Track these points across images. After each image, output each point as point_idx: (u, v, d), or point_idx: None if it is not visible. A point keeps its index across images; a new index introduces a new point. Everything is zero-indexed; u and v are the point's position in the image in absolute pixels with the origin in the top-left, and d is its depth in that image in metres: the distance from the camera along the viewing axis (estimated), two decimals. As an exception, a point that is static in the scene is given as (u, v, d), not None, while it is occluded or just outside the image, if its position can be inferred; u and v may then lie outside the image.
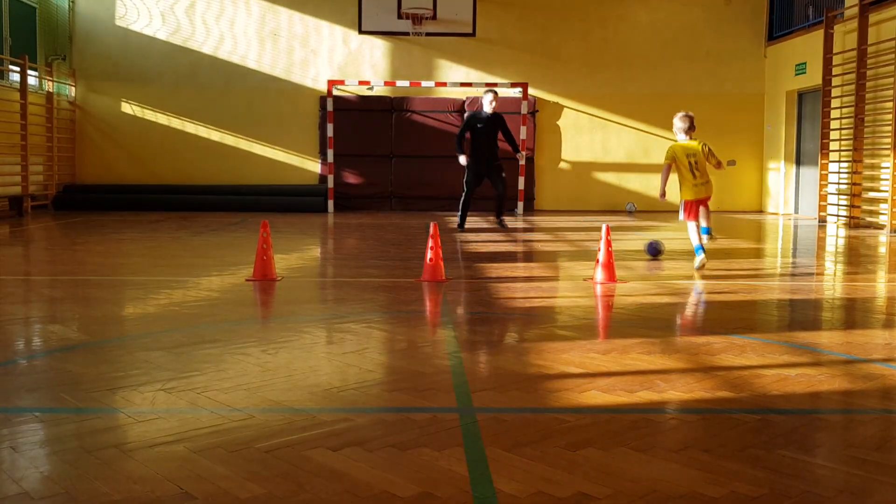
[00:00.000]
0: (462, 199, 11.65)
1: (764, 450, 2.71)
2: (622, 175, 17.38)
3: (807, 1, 16.00)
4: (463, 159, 11.35)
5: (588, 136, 17.32)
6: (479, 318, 5.17)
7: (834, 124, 14.46)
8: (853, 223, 13.45)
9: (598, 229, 7.49)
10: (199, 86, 16.90)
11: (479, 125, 11.40)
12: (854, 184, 13.59)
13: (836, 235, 11.86)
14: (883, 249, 9.78)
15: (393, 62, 17.01)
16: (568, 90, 17.19)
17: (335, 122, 16.09)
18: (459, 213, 11.73)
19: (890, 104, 12.56)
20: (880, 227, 12.80)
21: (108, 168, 16.94)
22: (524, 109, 16.22)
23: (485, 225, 13.07)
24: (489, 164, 11.50)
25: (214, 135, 16.99)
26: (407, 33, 16.24)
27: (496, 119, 11.51)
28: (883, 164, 12.97)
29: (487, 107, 11.42)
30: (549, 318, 5.24)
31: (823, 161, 14.65)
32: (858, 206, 13.55)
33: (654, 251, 8.31)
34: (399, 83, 16.39)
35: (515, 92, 16.58)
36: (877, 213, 13.21)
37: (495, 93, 11.62)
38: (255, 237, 9.56)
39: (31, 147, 14.83)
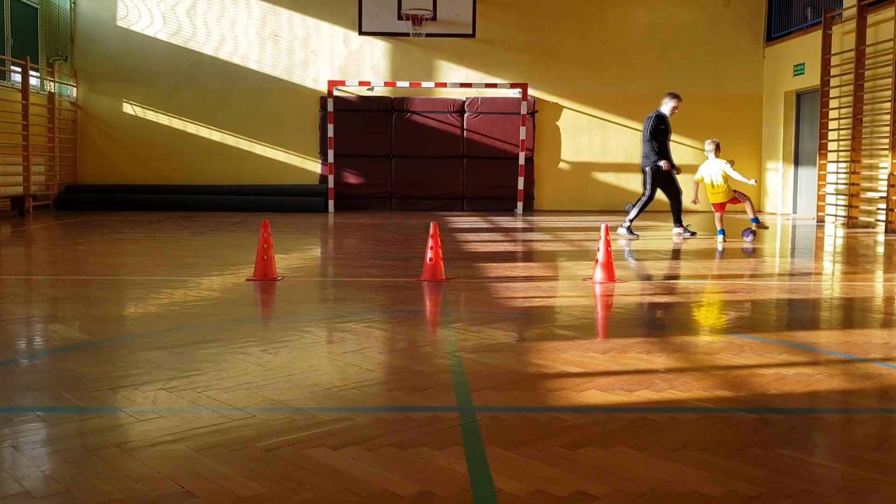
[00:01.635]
0: (643, 201, 10.85)
1: (763, 449, 2.72)
2: (621, 175, 17.40)
3: (805, 2, 16.02)
4: (664, 163, 10.65)
5: (587, 137, 17.34)
6: (479, 317, 5.18)
7: (832, 125, 14.48)
8: (851, 223, 13.46)
9: (598, 229, 7.56)
10: (199, 86, 16.92)
11: (661, 126, 10.78)
12: (852, 184, 13.61)
13: (834, 235, 11.87)
14: (881, 249, 9.79)
15: (393, 63, 17.03)
16: (567, 90, 17.21)
17: (335, 123, 16.11)
18: (635, 215, 10.91)
19: (888, 104, 12.58)
20: (878, 226, 12.81)
21: (109, 168, 16.97)
22: (524, 110, 16.24)
23: (484, 225, 13.08)
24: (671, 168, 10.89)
25: (215, 135, 17.01)
26: (407, 34, 16.27)
27: (669, 125, 10.97)
28: (881, 165, 12.99)
29: (669, 111, 10.86)
30: (549, 318, 5.25)
31: (822, 161, 14.67)
32: (856, 206, 13.57)
33: (751, 233, 10.29)
34: (399, 84, 16.41)
35: (515, 92, 16.60)
36: (875, 213, 13.22)
37: (680, 98, 11.01)
38: (256, 237, 9.58)
39: (32, 147, 14.85)
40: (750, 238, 10.23)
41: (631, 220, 10.96)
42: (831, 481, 2.49)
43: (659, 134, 10.74)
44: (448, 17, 16.22)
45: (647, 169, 10.84)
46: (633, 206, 11.07)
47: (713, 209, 10.73)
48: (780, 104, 16.67)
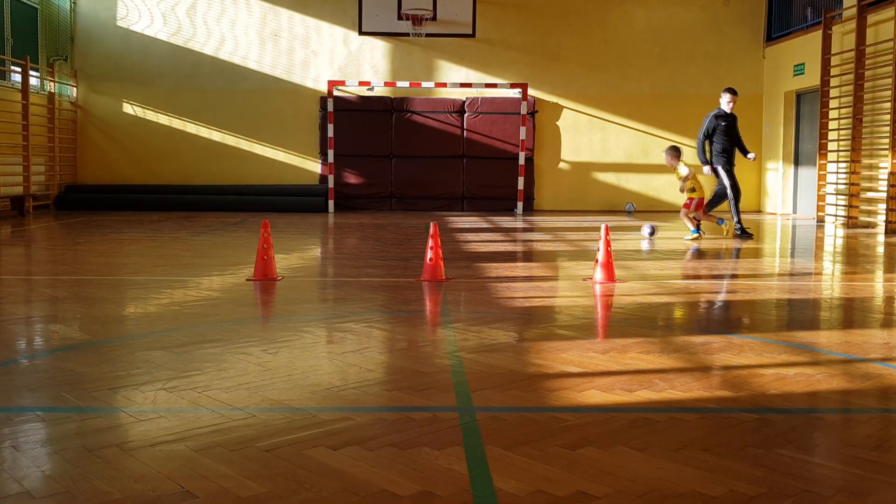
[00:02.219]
0: (732, 200, 10.83)
1: (762, 449, 2.72)
2: (621, 175, 17.41)
3: (805, 2, 16.02)
4: (707, 170, 10.78)
5: (587, 137, 17.34)
6: (479, 317, 5.18)
7: (832, 125, 14.48)
8: (851, 223, 13.46)
9: (598, 229, 7.58)
10: (200, 86, 16.93)
11: (723, 123, 10.88)
12: (852, 184, 13.61)
13: (834, 235, 11.87)
14: (881, 249, 9.79)
15: (393, 63, 17.03)
16: (567, 91, 17.21)
17: (335, 123, 16.11)
18: (737, 216, 10.90)
19: (888, 104, 12.58)
20: (878, 227, 12.81)
21: (109, 168, 16.97)
22: (524, 110, 16.23)
23: (484, 225, 13.08)
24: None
25: (215, 135, 17.01)
26: (407, 34, 16.27)
27: (734, 119, 11.04)
28: (881, 165, 12.99)
29: (726, 106, 10.94)
30: (549, 318, 5.25)
31: (822, 161, 14.67)
32: (856, 207, 13.57)
33: (651, 231, 10.66)
34: (399, 84, 16.41)
35: (515, 93, 16.60)
36: (875, 213, 13.22)
37: (736, 93, 11.11)
38: (256, 237, 9.58)
39: (32, 147, 14.85)
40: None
41: (738, 222, 10.91)
42: (831, 481, 2.49)
43: (716, 131, 10.85)
44: (448, 17, 16.22)
45: (718, 168, 10.89)
46: (730, 210, 11.10)
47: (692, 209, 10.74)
48: (780, 104, 16.67)
